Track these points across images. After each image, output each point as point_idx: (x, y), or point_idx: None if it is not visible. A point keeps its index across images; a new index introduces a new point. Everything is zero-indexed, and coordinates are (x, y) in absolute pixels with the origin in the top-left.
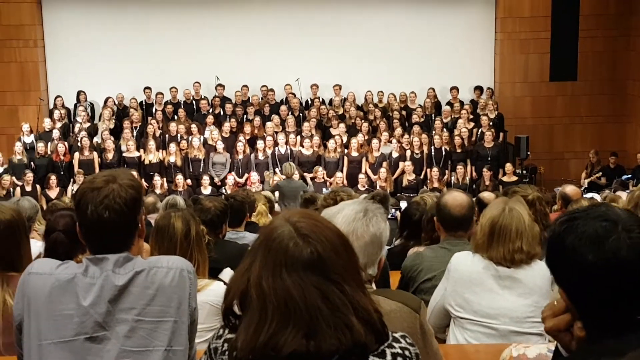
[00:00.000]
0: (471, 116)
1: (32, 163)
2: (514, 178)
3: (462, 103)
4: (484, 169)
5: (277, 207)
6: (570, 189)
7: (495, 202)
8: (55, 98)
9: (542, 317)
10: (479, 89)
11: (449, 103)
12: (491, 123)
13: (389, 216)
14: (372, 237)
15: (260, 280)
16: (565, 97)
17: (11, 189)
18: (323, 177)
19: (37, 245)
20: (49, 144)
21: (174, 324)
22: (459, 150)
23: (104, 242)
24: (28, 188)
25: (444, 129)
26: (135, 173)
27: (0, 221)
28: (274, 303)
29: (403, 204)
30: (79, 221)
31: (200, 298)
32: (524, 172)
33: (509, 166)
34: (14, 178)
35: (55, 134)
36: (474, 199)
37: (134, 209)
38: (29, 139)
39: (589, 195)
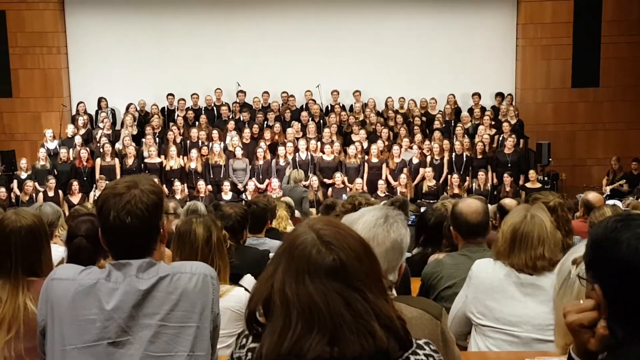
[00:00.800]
0: (492, 122)
1: (54, 169)
2: (538, 185)
3: (483, 109)
4: (505, 175)
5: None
6: (592, 196)
7: (517, 208)
8: (78, 104)
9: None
10: (500, 95)
11: (470, 109)
12: (512, 129)
13: (409, 222)
14: (393, 243)
15: (283, 287)
16: (587, 104)
17: (34, 195)
18: (343, 183)
19: (59, 250)
20: (72, 150)
21: (196, 330)
22: (479, 157)
23: (126, 248)
24: (50, 194)
25: (465, 135)
26: (156, 179)
27: (22, 226)
28: (297, 309)
29: (422, 211)
30: (101, 227)
31: (221, 304)
32: (545, 178)
33: (532, 173)
34: (36, 184)
35: (78, 140)
36: (491, 205)
37: (156, 214)
38: (52, 145)
39: (611, 202)
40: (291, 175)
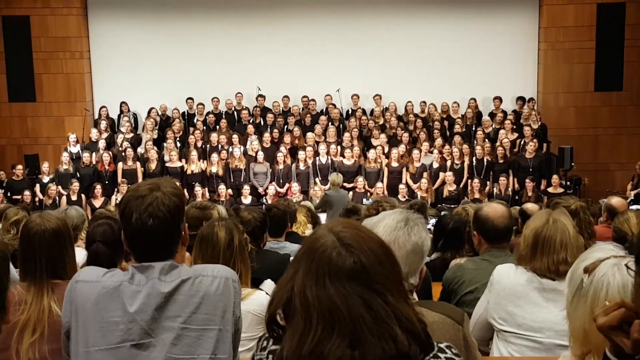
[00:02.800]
0: (514, 127)
1: (77, 173)
2: (560, 190)
3: (505, 113)
4: (527, 180)
5: (324, 217)
6: (615, 201)
7: (539, 213)
8: (100, 109)
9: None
10: (521, 99)
11: (491, 113)
12: (534, 134)
13: (429, 226)
14: (413, 246)
15: (304, 289)
16: (610, 108)
17: (57, 198)
18: (363, 187)
19: (82, 253)
20: (94, 154)
21: (218, 332)
22: (501, 161)
23: (148, 250)
24: (74, 197)
25: (486, 140)
26: (177, 183)
27: (46, 229)
28: (318, 312)
29: (441, 215)
30: (123, 229)
31: (243, 307)
32: (568, 183)
33: (555, 178)
34: (60, 187)
35: (101, 144)
36: (512, 209)
37: (177, 217)
38: (75, 149)
39: (635, 207)
40: (330, 179)
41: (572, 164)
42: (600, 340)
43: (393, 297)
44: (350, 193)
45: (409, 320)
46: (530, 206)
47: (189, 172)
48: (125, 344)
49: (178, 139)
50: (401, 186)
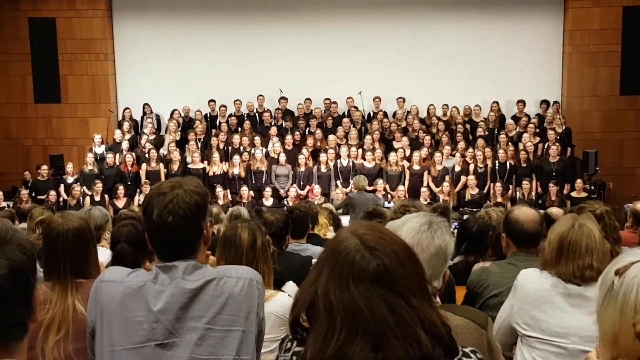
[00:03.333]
0: (537, 130)
1: (102, 173)
2: (584, 194)
3: (528, 117)
4: (550, 184)
5: (345, 219)
6: None
7: (565, 217)
8: (124, 110)
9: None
10: (545, 102)
11: (514, 117)
12: (558, 137)
13: (451, 229)
14: (437, 249)
15: (327, 293)
16: (636, 112)
17: (81, 199)
18: (384, 190)
19: (106, 253)
20: (118, 155)
21: (242, 334)
22: (524, 165)
23: (169, 247)
24: (97, 198)
25: (509, 143)
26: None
27: (69, 229)
28: (341, 315)
29: (464, 219)
30: (146, 227)
31: (266, 308)
32: (592, 187)
33: (579, 182)
34: (84, 188)
35: (124, 145)
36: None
37: (198, 214)
38: (100, 149)
39: None
40: (354, 182)
41: (597, 168)
42: (630, 344)
43: (417, 300)
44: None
45: (433, 324)
46: (554, 210)
47: (210, 173)
48: (149, 343)
49: (200, 140)
50: (423, 189)
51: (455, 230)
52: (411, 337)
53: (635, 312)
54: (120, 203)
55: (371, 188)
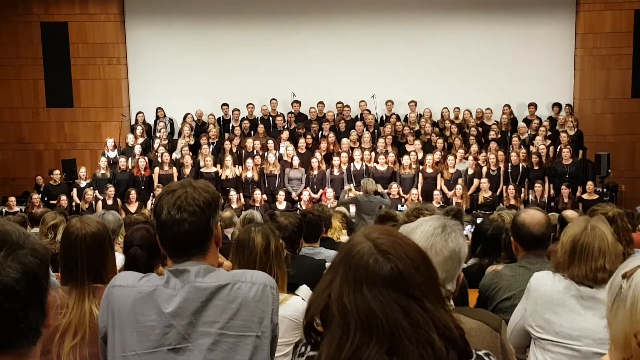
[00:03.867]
0: (549, 133)
1: (114, 177)
2: (595, 196)
3: (540, 120)
4: (563, 187)
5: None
6: None
7: (577, 220)
8: (137, 114)
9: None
10: (557, 105)
11: (526, 120)
12: (570, 140)
13: (465, 232)
14: (451, 252)
15: (341, 296)
16: None
17: (93, 203)
18: (398, 194)
19: (119, 258)
20: (130, 159)
21: (256, 339)
22: (536, 168)
23: (179, 244)
24: (109, 202)
25: (521, 146)
26: None
27: (87, 233)
28: (355, 319)
29: (479, 221)
30: (156, 225)
31: (279, 312)
32: (604, 190)
33: (590, 184)
34: (96, 192)
35: (137, 149)
36: (551, 216)
37: (207, 212)
38: (112, 154)
39: None
40: (363, 185)
41: (609, 170)
42: None
43: (431, 303)
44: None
45: (447, 327)
46: (569, 213)
47: (223, 177)
48: (162, 348)
49: (214, 144)
50: (436, 192)
51: (470, 233)
52: (425, 341)
53: None
54: (133, 207)
55: (385, 191)
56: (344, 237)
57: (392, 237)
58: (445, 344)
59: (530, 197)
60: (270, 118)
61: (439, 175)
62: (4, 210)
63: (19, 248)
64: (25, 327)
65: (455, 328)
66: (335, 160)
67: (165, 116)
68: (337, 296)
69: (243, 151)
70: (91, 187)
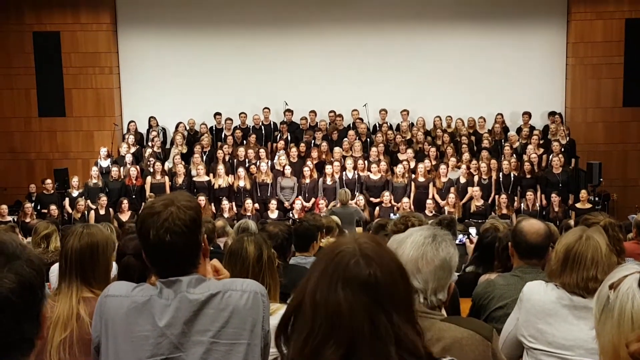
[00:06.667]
0: (541, 142)
1: (106, 187)
2: (588, 205)
3: (532, 128)
4: (553, 195)
5: None
6: None
7: (573, 230)
8: (129, 123)
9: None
10: (552, 114)
11: (519, 128)
12: (562, 149)
13: (457, 242)
14: (442, 261)
15: (315, 290)
16: (639, 123)
17: (86, 212)
18: (390, 202)
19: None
20: (122, 168)
21: (247, 347)
22: (528, 176)
23: (169, 265)
24: (102, 211)
25: (513, 155)
26: (204, 197)
27: (83, 241)
28: (323, 315)
29: (472, 230)
30: (142, 247)
31: (271, 322)
32: (596, 199)
33: (583, 193)
34: (88, 201)
35: (129, 158)
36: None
37: (195, 229)
38: (105, 162)
39: None
40: (338, 196)
41: (601, 179)
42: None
43: (399, 318)
44: (377, 208)
45: (413, 344)
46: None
47: (216, 186)
48: (155, 358)
49: (206, 153)
50: (428, 201)
51: (462, 243)
52: (381, 353)
53: (633, 323)
54: (125, 217)
55: (377, 200)
56: None
57: (379, 247)
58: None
59: (522, 205)
60: (263, 127)
61: (431, 184)
62: None
63: (15, 259)
64: (19, 338)
65: (422, 347)
66: (328, 169)
67: (158, 125)
68: (312, 289)
69: (235, 160)
70: (83, 197)
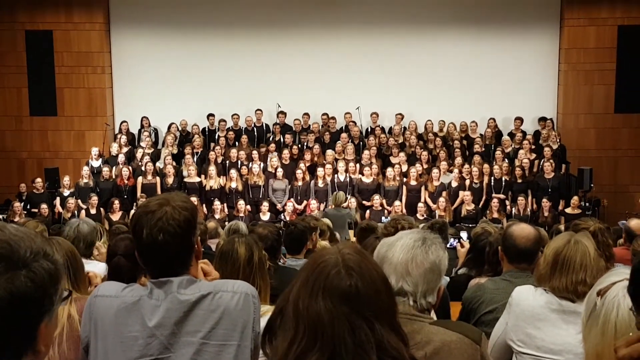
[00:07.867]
0: (532, 147)
1: (97, 187)
2: (578, 211)
3: (524, 133)
4: (543, 200)
5: None
6: (634, 223)
7: (562, 234)
8: (121, 123)
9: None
10: (544, 119)
11: (510, 133)
12: (554, 154)
13: (448, 245)
14: (432, 264)
15: (297, 299)
16: (630, 129)
17: (76, 212)
18: (381, 206)
19: (98, 267)
20: (114, 168)
21: (237, 348)
22: (519, 181)
23: (161, 265)
24: (93, 211)
25: (505, 160)
26: (195, 198)
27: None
28: (305, 323)
29: (463, 234)
30: (136, 245)
31: (262, 323)
32: (587, 204)
33: (575, 199)
34: (79, 201)
35: (120, 158)
36: (539, 230)
37: (188, 230)
38: (97, 162)
39: None
40: (333, 198)
41: (592, 185)
42: None
43: (382, 327)
44: (368, 211)
45: (397, 351)
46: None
47: (207, 187)
48: (144, 358)
49: (198, 154)
50: (420, 205)
51: (453, 247)
52: None
53: (616, 332)
54: (115, 217)
55: (368, 203)
56: None
57: (362, 258)
58: None
59: (514, 210)
60: (255, 129)
61: (423, 188)
62: None
63: (19, 268)
64: (4, 351)
65: (406, 354)
66: (320, 172)
67: (150, 125)
68: (295, 298)
69: (227, 161)
70: (74, 197)
